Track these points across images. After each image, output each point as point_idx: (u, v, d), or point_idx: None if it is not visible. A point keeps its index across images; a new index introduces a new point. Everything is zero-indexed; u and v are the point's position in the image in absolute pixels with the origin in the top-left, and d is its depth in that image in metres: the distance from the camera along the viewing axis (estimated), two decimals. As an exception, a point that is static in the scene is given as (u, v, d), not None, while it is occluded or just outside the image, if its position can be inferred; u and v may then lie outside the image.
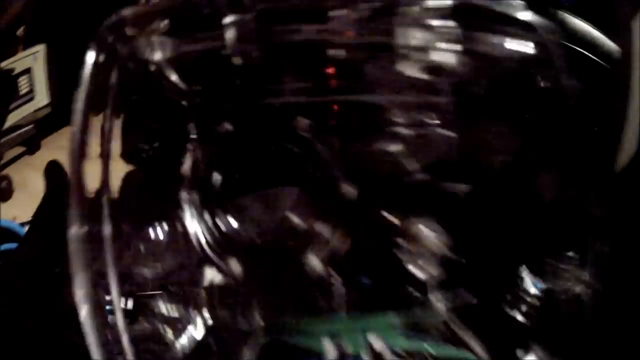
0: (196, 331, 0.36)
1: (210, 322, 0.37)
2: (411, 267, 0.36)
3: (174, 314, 0.37)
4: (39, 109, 0.76)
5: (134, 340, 0.32)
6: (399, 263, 0.36)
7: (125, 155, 0.40)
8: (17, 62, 0.73)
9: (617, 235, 0.32)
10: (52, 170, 0.44)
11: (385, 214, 0.38)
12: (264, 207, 0.46)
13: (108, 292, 0.32)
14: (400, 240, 0.37)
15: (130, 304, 0.35)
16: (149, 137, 0.41)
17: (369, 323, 0.36)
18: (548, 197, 0.34)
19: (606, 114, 0.37)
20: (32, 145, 0.72)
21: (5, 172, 0.62)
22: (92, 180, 0.32)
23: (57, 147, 0.74)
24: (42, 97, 0.76)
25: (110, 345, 0.31)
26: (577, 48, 0.42)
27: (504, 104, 0.34)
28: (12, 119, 0.74)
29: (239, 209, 0.45)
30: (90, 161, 0.31)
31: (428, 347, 0.34)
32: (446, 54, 0.33)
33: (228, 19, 0.34)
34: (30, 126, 0.72)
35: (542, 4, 0.34)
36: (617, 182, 0.36)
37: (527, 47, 0.32)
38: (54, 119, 0.76)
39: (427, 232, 0.36)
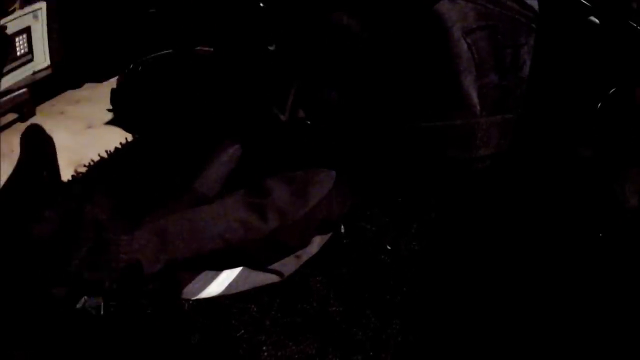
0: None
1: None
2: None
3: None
4: (38, 71, 0.70)
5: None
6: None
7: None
8: (14, 20, 0.66)
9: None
10: (31, 136, 0.37)
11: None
12: (290, 194, 0.38)
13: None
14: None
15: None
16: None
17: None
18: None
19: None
20: (24, 110, 0.65)
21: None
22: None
23: (54, 113, 0.69)
24: (41, 59, 0.70)
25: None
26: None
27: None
28: (8, 82, 0.68)
29: (262, 191, 0.37)
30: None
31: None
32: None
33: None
34: (23, 90, 0.65)
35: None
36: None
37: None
38: (53, 82, 0.70)
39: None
